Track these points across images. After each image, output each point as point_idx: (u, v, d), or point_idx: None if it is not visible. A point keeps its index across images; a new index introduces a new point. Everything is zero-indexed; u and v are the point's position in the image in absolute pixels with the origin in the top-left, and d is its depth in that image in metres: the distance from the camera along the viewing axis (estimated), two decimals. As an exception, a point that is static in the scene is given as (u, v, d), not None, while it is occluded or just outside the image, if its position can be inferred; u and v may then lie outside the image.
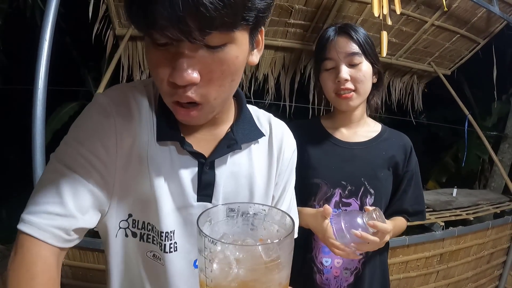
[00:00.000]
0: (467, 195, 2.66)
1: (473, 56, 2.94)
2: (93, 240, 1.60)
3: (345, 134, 1.16)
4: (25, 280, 0.54)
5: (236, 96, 0.77)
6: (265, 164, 0.77)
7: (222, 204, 0.50)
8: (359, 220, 0.92)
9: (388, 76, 2.94)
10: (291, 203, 0.85)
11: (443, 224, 2.08)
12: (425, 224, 2.06)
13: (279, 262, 0.43)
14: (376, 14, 1.72)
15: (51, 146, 0.66)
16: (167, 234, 0.66)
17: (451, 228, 2.13)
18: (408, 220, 1.16)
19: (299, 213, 0.97)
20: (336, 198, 1.09)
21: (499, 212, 2.47)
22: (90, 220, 0.61)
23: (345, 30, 1.06)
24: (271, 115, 0.83)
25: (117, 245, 0.69)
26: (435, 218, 2.13)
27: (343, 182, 1.09)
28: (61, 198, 0.57)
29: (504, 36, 2.87)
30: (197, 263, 0.46)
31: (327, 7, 2.13)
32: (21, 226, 0.56)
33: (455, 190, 2.61)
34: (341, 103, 1.09)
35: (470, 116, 2.81)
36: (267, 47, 2.39)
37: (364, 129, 1.17)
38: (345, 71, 1.04)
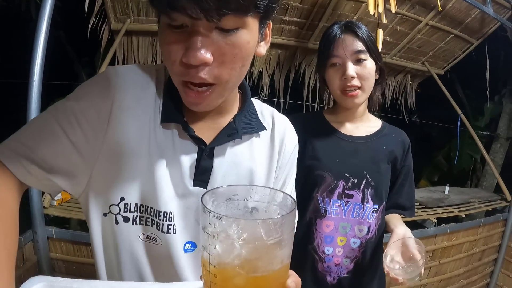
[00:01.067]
0: (459, 193, 2.69)
1: (466, 57, 2.96)
2: (86, 234, 1.60)
3: (349, 129, 1.20)
4: None
5: (242, 89, 0.79)
6: (266, 157, 0.78)
7: (226, 186, 0.51)
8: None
9: (382, 75, 2.95)
10: None
11: (435, 220, 2.10)
12: (417, 221, 2.08)
13: (281, 238, 0.43)
14: (372, 12, 1.73)
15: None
16: (165, 214, 0.67)
17: (443, 224, 2.16)
18: (404, 216, 1.20)
19: None
20: (339, 189, 1.13)
21: (490, 210, 2.51)
22: (56, 170, 0.60)
23: (351, 28, 1.09)
24: (274, 109, 0.85)
25: (105, 228, 0.69)
26: (428, 214, 2.15)
27: (346, 175, 1.13)
28: (36, 143, 0.58)
29: (497, 37, 2.90)
30: (200, 243, 0.46)
31: (323, 5, 2.14)
32: None
33: (447, 188, 2.64)
34: (347, 101, 1.12)
35: (462, 116, 2.85)
36: (262, 43, 2.38)
37: (366, 124, 1.21)
38: (351, 68, 1.07)
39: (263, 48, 0.66)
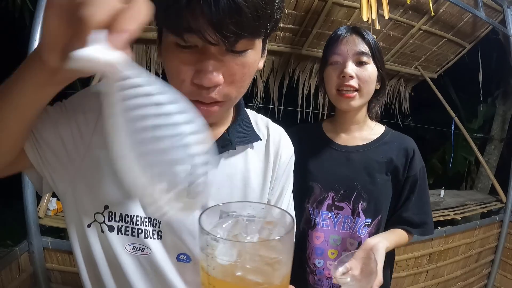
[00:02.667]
0: (455, 195, 2.71)
1: (459, 60, 3.00)
2: (82, 244, 1.58)
3: (343, 138, 1.14)
4: None
5: None
6: (261, 167, 0.77)
7: (223, 204, 0.50)
8: None
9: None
10: (288, 208, 0.85)
11: (431, 224, 2.11)
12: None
13: (279, 259, 0.43)
14: (365, 19, 1.74)
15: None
16: (150, 220, 0.65)
17: (439, 228, 2.17)
18: (411, 233, 1.11)
19: None
20: (328, 201, 1.09)
21: (486, 212, 2.53)
22: (35, 151, 0.60)
23: (358, 30, 1.07)
24: (269, 120, 0.84)
25: (89, 239, 0.66)
26: (424, 218, 2.15)
27: (336, 186, 1.08)
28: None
29: (489, 40, 2.93)
30: (199, 262, 0.45)
31: (316, 12, 2.15)
32: None
33: (442, 191, 2.65)
34: (342, 102, 1.07)
35: (456, 119, 2.87)
36: (256, 50, 2.39)
37: (364, 133, 1.15)
38: (351, 68, 1.03)
39: (261, 63, 0.67)
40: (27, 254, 1.58)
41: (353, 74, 1.03)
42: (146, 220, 0.65)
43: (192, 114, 0.39)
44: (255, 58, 0.59)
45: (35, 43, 1.40)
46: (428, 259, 2.16)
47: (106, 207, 0.65)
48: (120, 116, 0.36)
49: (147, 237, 0.65)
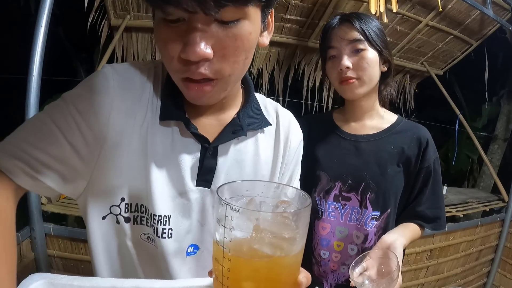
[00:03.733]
0: (457, 193, 2.70)
1: (466, 58, 2.97)
2: (84, 231, 1.59)
3: (353, 127, 1.12)
4: None
5: (245, 83, 0.76)
6: (271, 153, 0.76)
7: (242, 180, 0.50)
8: None
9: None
10: None
11: (433, 220, 2.11)
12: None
13: (296, 232, 0.43)
14: (373, 12, 1.73)
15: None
16: (160, 218, 0.65)
17: (441, 224, 2.17)
18: (423, 228, 1.07)
19: None
20: (335, 191, 1.07)
21: (488, 210, 2.52)
22: (51, 176, 0.58)
23: (347, 18, 1.04)
24: (278, 104, 0.83)
25: (105, 229, 0.67)
26: (426, 214, 2.15)
27: (344, 175, 1.06)
28: (34, 145, 0.56)
29: (496, 39, 2.90)
30: (213, 236, 0.46)
31: (324, 4, 2.13)
32: None
33: (445, 188, 2.64)
34: (345, 90, 1.05)
35: (461, 116, 2.85)
36: (262, 41, 2.38)
37: (375, 121, 1.11)
38: (346, 59, 1.02)
39: (266, 38, 0.64)
40: (28, 240, 1.59)
41: (350, 65, 1.01)
42: (159, 217, 0.65)
43: None
44: (250, 30, 0.54)
45: (41, 29, 1.39)
46: (429, 255, 2.17)
47: (123, 199, 0.65)
48: None
49: (159, 236, 0.66)
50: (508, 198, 2.55)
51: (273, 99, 2.43)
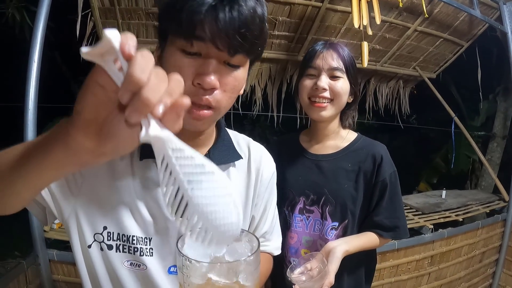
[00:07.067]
0: (457, 196, 2.69)
1: (458, 58, 2.99)
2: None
3: (315, 147, 1.22)
4: None
5: (216, 122, 0.82)
6: (243, 185, 0.81)
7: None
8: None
9: (374, 82, 2.99)
10: (273, 222, 0.90)
11: (431, 227, 2.11)
12: (414, 228, 2.09)
13: (245, 277, 0.48)
14: (356, 25, 1.76)
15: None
16: (141, 239, 0.71)
17: (440, 230, 2.17)
18: (382, 236, 1.14)
19: None
20: (300, 205, 1.18)
21: (488, 211, 2.51)
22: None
23: (334, 46, 1.13)
24: (250, 139, 0.89)
25: (91, 258, 0.72)
26: (424, 221, 2.16)
27: (306, 191, 1.16)
28: None
29: (488, 37, 2.91)
30: (177, 278, 0.52)
31: (310, 18, 2.17)
32: None
33: (444, 192, 2.64)
34: (313, 111, 1.13)
35: (456, 118, 2.86)
36: (253, 58, 2.41)
37: (335, 142, 1.21)
38: (324, 81, 1.09)
39: (242, 89, 0.73)
40: (34, 267, 1.63)
41: (326, 87, 1.10)
42: (141, 239, 0.71)
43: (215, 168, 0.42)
44: (243, 75, 0.67)
45: (34, 64, 1.43)
46: (429, 261, 2.16)
47: (105, 227, 0.71)
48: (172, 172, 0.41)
49: (142, 255, 0.71)
50: (508, 197, 2.54)
51: (267, 115, 2.45)
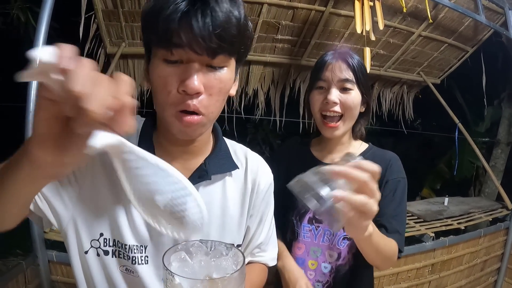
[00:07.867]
0: (459, 203, 2.66)
1: (463, 64, 2.96)
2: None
3: (327, 156, 1.19)
4: None
5: (214, 131, 0.82)
6: (239, 195, 0.81)
7: (184, 243, 0.56)
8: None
9: (378, 87, 2.97)
10: (269, 233, 0.89)
11: (433, 235, 2.09)
12: (415, 235, 2.07)
13: None
14: (359, 31, 1.75)
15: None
16: (136, 247, 0.71)
17: (441, 238, 2.14)
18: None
19: (281, 255, 1.05)
20: (309, 214, 1.15)
21: (491, 220, 2.48)
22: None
23: (343, 56, 1.09)
24: (248, 149, 0.88)
25: (88, 263, 0.72)
26: (425, 229, 2.14)
27: None
28: None
29: (492, 43, 2.89)
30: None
31: (314, 22, 2.17)
32: None
33: (446, 199, 2.61)
34: (326, 131, 1.12)
35: (460, 125, 2.83)
36: (256, 62, 2.43)
37: (346, 151, 1.18)
38: (335, 94, 1.07)
39: (234, 89, 0.73)
40: (33, 267, 1.63)
41: (337, 101, 1.07)
42: (135, 247, 0.71)
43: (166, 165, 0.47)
44: (230, 76, 0.67)
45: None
46: (430, 269, 2.14)
47: (101, 234, 0.72)
48: (124, 172, 0.47)
49: (135, 263, 0.72)
50: (511, 205, 2.52)
51: (270, 119, 2.44)
